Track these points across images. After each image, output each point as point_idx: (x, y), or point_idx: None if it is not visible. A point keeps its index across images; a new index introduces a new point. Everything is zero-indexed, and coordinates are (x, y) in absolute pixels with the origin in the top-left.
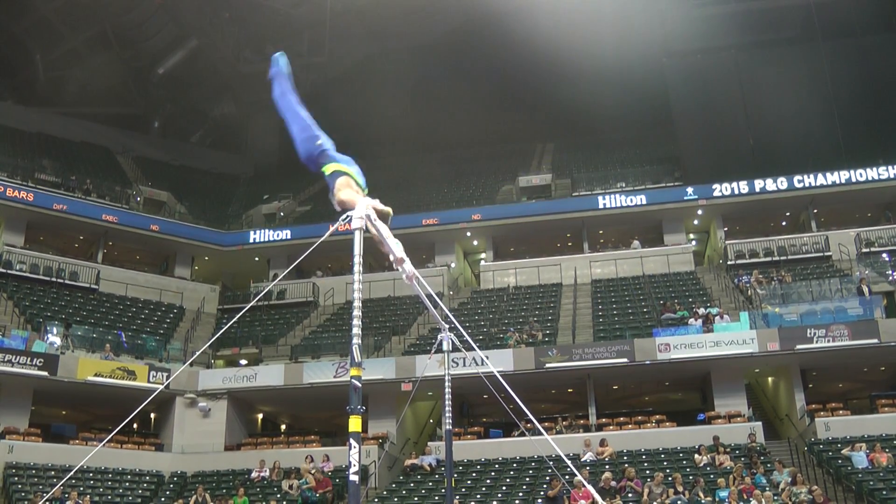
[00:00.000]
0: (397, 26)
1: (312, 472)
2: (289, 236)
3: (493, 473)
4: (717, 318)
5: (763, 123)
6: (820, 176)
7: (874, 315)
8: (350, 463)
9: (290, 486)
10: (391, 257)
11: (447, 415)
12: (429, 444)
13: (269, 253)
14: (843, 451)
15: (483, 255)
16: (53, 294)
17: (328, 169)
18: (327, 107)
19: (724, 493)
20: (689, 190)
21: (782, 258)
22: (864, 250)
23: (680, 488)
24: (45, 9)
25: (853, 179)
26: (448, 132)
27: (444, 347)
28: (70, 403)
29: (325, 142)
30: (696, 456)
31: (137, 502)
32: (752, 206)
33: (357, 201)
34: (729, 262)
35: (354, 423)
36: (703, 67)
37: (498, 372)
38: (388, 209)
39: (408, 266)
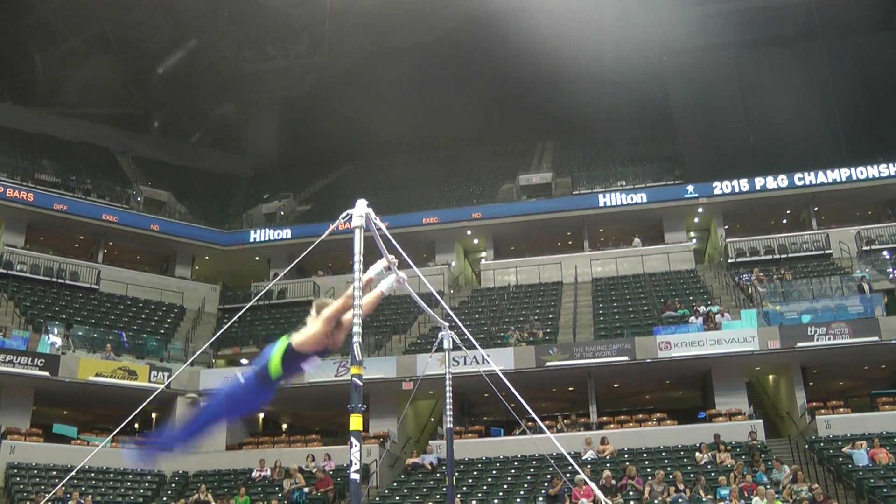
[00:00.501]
0: (397, 26)
1: (314, 470)
2: (289, 235)
3: (494, 472)
4: (718, 315)
5: (763, 121)
6: (820, 174)
7: (875, 313)
8: (351, 462)
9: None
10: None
11: (448, 413)
12: (430, 442)
13: (270, 252)
14: (844, 450)
15: (483, 254)
16: (54, 294)
17: (274, 358)
18: (327, 106)
19: (725, 491)
20: (690, 188)
21: (783, 256)
22: (865, 248)
23: (681, 486)
24: (44, 9)
25: (854, 177)
26: (448, 131)
27: (445, 346)
28: (71, 404)
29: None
30: (697, 454)
31: (139, 502)
32: (753, 204)
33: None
34: (729, 261)
35: (355, 422)
36: (702, 66)
37: (499, 370)
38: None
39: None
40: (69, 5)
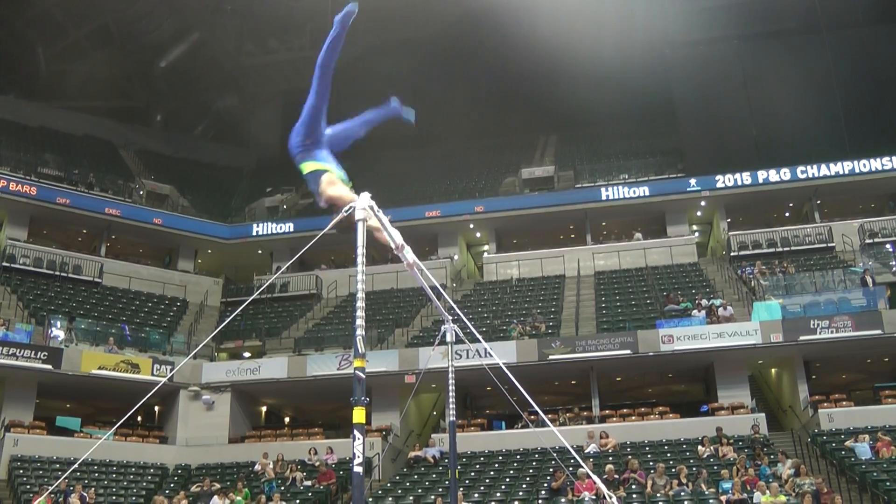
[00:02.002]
0: (399, 19)
1: (316, 463)
2: (291, 229)
3: (496, 465)
4: (721, 308)
5: (766, 114)
6: (823, 167)
7: (878, 306)
8: (354, 455)
9: (293, 479)
10: (392, 245)
11: (451, 407)
12: (432, 436)
13: (272, 246)
14: (846, 443)
15: (486, 248)
16: (57, 288)
17: (306, 167)
18: (331, 99)
19: (727, 485)
20: (692, 181)
21: (785, 249)
22: (868, 241)
23: (683, 480)
24: (46, 3)
25: (856, 170)
26: (451, 125)
27: (448, 339)
28: (74, 396)
29: (317, 140)
30: (700, 447)
31: (142, 495)
32: (755, 197)
33: (349, 196)
34: (732, 254)
35: (358, 415)
36: (705, 59)
37: (502, 364)
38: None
39: (409, 253)
40: None
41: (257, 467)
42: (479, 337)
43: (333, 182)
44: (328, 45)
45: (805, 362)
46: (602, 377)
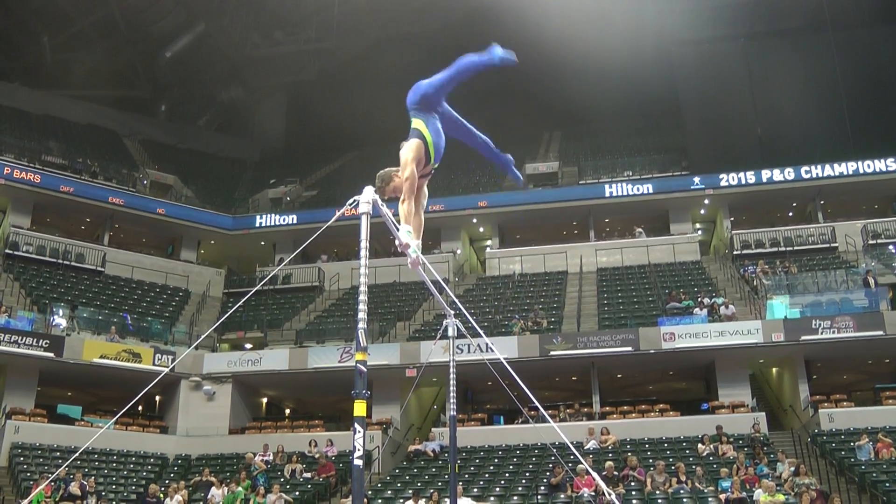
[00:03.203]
0: (405, 13)
1: (316, 455)
2: (295, 221)
3: (496, 460)
4: (722, 307)
5: (771, 113)
6: (827, 167)
7: (880, 307)
8: (354, 448)
9: (292, 472)
10: (397, 242)
11: (451, 401)
12: (432, 429)
13: (275, 237)
14: (853, 445)
15: (489, 242)
16: (59, 276)
17: (414, 122)
18: (334, 92)
19: (726, 483)
20: (696, 179)
21: (788, 249)
22: (871, 242)
23: (683, 477)
24: None
25: (861, 171)
26: None
27: (450, 333)
28: (76, 385)
29: (431, 106)
30: (700, 445)
31: (142, 484)
32: (759, 196)
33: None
34: (735, 252)
35: (359, 408)
36: (710, 56)
37: (503, 359)
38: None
39: (412, 253)
40: None
41: (258, 458)
42: (481, 332)
43: (411, 160)
44: (471, 65)
45: (806, 362)
46: (603, 374)
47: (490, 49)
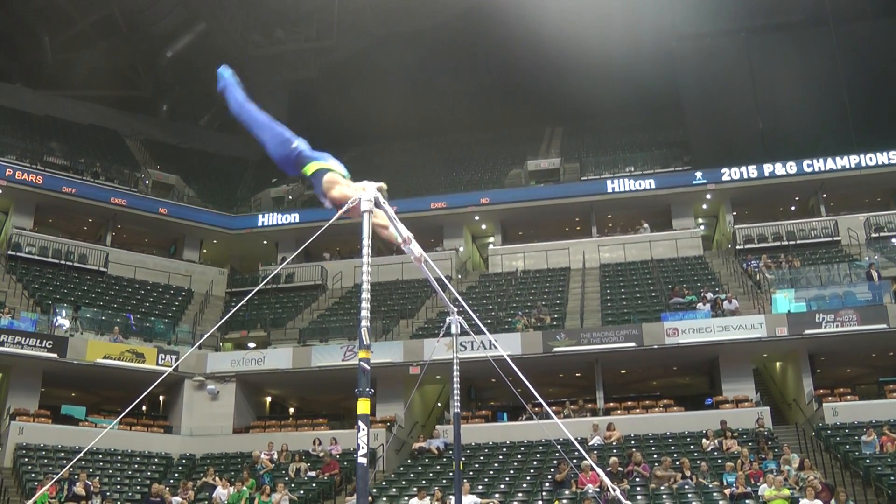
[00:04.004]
0: (405, 10)
1: (321, 454)
2: (297, 220)
3: (500, 457)
4: (726, 302)
5: (772, 107)
6: (829, 160)
7: (883, 300)
8: (358, 446)
9: (297, 470)
10: (398, 238)
11: (455, 398)
12: (436, 427)
13: (278, 236)
14: (858, 438)
15: (491, 239)
16: (62, 277)
17: (310, 169)
18: (335, 90)
19: (731, 478)
20: (698, 174)
21: (791, 243)
22: (874, 235)
23: (687, 473)
24: None
25: (863, 164)
26: (456, 116)
27: (453, 331)
28: (79, 385)
29: (299, 142)
30: (704, 440)
31: (146, 484)
32: (761, 190)
33: (353, 192)
34: (738, 247)
35: (363, 406)
36: (712, 51)
37: (507, 356)
38: (384, 185)
39: (416, 247)
40: None
41: (255, 454)
42: (484, 329)
43: (335, 181)
44: (230, 99)
45: (810, 356)
46: (607, 370)
47: (222, 79)
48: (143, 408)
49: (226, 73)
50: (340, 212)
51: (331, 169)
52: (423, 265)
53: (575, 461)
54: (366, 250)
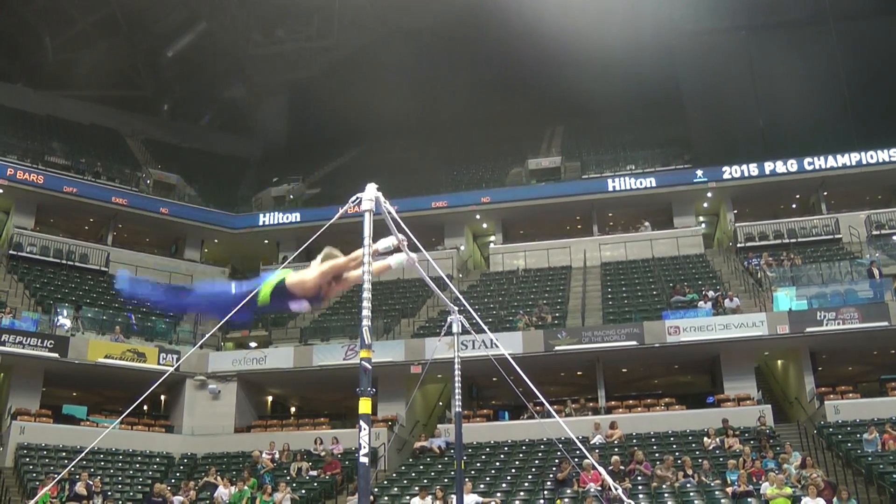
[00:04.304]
0: (406, 7)
1: (322, 453)
2: (298, 219)
3: (502, 456)
4: (727, 300)
5: (773, 105)
6: (830, 158)
7: (885, 298)
8: (360, 445)
9: (298, 470)
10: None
11: (457, 397)
12: (438, 426)
13: (279, 236)
14: (860, 436)
15: (492, 238)
16: (64, 276)
17: (269, 286)
18: (336, 89)
19: (733, 476)
20: (699, 172)
21: (792, 241)
22: (875, 233)
23: (689, 471)
24: None
25: (864, 161)
26: (457, 115)
27: (454, 330)
28: (81, 385)
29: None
30: (706, 439)
31: (147, 483)
32: (762, 188)
33: (317, 267)
34: (739, 245)
35: (364, 406)
36: (712, 49)
37: (508, 355)
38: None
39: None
40: None
41: (265, 456)
42: (485, 327)
43: (298, 276)
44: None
45: (811, 354)
46: (608, 368)
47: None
48: (145, 407)
49: (122, 278)
50: (341, 211)
51: (281, 278)
52: (418, 266)
53: (577, 460)
54: (366, 249)
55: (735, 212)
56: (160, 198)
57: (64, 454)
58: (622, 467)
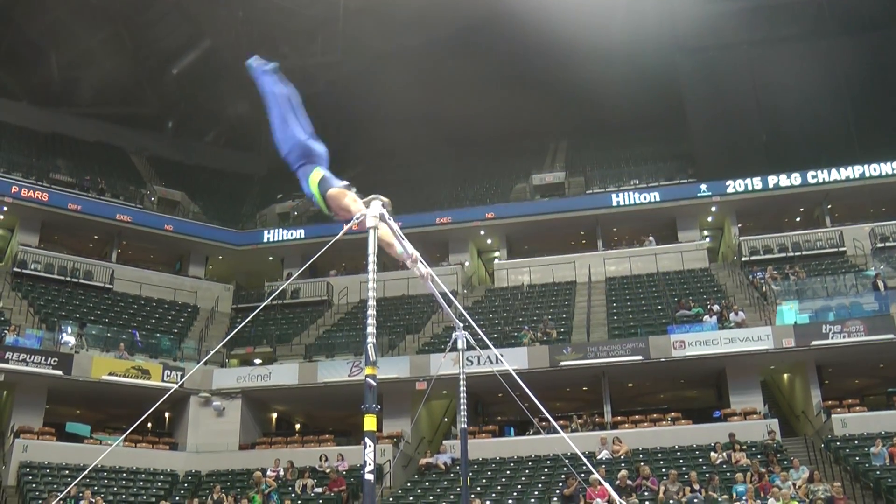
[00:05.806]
0: (410, 24)
1: (327, 470)
2: (302, 235)
3: (508, 472)
4: (732, 314)
5: (776, 119)
6: (834, 171)
7: (890, 310)
8: (365, 462)
9: (303, 487)
10: (404, 256)
11: (462, 413)
12: (444, 442)
13: (283, 252)
14: (868, 450)
15: (497, 254)
16: (68, 293)
17: (316, 176)
18: (340, 106)
19: (741, 489)
20: (703, 186)
21: (797, 254)
22: (879, 245)
23: (696, 486)
24: (59, 10)
25: (867, 174)
26: (461, 131)
27: (459, 346)
28: (84, 402)
29: (312, 143)
30: (712, 453)
31: (151, 501)
32: (766, 202)
33: (359, 208)
34: (743, 259)
35: (369, 422)
36: (715, 63)
37: (513, 370)
38: (388, 200)
39: (422, 266)
40: (84, 6)
41: (269, 473)
42: (490, 343)
43: (342, 193)
44: (262, 86)
45: (817, 367)
46: (614, 383)
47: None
48: (149, 425)
49: (253, 64)
50: (346, 228)
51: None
52: (430, 282)
53: (583, 475)
54: (371, 266)
55: (739, 225)
56: (164, 215)
57: (67, 472)
58: (629, 482)
